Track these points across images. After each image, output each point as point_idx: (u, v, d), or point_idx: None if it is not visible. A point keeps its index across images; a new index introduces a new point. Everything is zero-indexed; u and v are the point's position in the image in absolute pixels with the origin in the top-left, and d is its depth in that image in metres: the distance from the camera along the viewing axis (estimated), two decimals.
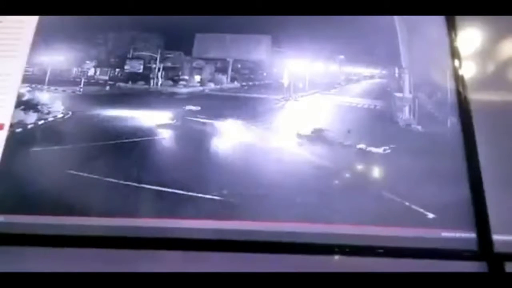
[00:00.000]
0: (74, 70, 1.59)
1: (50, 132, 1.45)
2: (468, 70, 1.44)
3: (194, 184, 1.32)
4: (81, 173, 1.34)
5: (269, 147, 1.40)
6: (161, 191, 1.31)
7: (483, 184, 1.27)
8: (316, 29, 1.54)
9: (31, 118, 1.47)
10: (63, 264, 1.17)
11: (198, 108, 1.50)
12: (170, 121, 1.47)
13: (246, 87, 1.60)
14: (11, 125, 1.42)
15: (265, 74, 1.59)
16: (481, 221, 1.24)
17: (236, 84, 1.61)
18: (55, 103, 1.51)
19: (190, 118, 1.47)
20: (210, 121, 1.46)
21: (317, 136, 1.42)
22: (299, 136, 1.42)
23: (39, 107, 1.50)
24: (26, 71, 1.50)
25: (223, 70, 1.63)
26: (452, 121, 1.38)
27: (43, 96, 1.52)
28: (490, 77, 1.46)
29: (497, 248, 1.21)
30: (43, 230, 1.25)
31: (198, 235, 1.24)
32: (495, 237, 1.22)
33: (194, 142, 1.43)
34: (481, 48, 1.49)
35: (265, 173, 1.34)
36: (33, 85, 1.52)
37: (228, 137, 1.43)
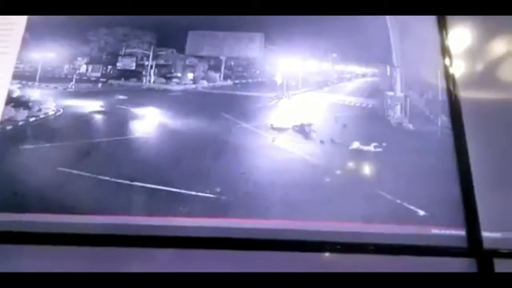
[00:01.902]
0: (66, 67, 1.58)
1: (41, 129, 1.43)
2: (459, 69, 1.46)
3: (188, 182, 1.32)
4: (72, 171, 1.33)
5: (261, 145, 1.41)
6: (154, 189, 1.31)
7: (473, 181, 1.28)
8: (309, 27, 1.54)
9: (21, 115, 1.46)
10: (55, 262, 1.16)
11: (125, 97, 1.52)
12: (101, 108, 1.48)
13: (239, 85, 1.60)
14: (1, 122, 1.40)
15: (258, 72, 1.59)
16: (470, 218, 1.25)
17: (229, 82, 1.61)
18: (46, 100, 1.49)
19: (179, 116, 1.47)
20: (200, 119, 1.45)
21: (308, 133, 1.42)
22: (290, 133, 1.42)
23: (30, 104, 1.48)
24: (16, 67, 1.48)
25: (216, 68, 1.63)
26: (442, 120, 1.40)
27: (34, 93, 1.50)
28: (480, 76, 1.48)
29: (486, 245, 1.23)
30: (33, 228, 1.24)
31: (191, 232, 1.24)
32: (485, 234, 1.24)
33: (188, 140, 1.42)
34: (471, 47, 1.50)
35: (258, 171, 1.34)
36: (24, 82, 1.50)
37: (221, 135, 1.42)
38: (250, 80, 1.59)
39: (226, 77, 1.62)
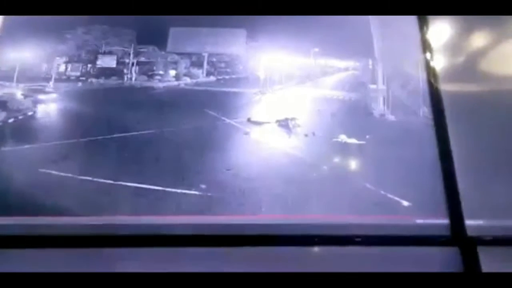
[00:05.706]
0: (44, 66, 1.55)
1: (20, 130, 1.40)
2: (439, 62, 1.48)
3: (172, 179, 1.31)
4: (54, 172, 1.31)
5: (246, 141, 1.40)
6: (139, 187, 1.29)
7: (455, 170, 1.30)
8: (291, 22, 1.54)
9: None
10: (38, 265, 1.13)
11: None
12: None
13: (222, 81, 1.59)
14: None
15: (241, 67, 1.59)
16: (453, 207, 1.27)
17: (212, 78, 1.61)
18: (25, 101, 1.46)
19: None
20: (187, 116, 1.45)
21: (292, 127, 1.43)
22: (275, 128, 1.43)
23: (8, 104, 1.45)
24: None
25: (199, 64, 1.62)
26: (424, 111, 1.41)
27: (12, 94, 1.47)
28: (459, 68, 1.50)
29: (470, 233, 1.25)
30: (17, 231, 1.21)
31: (177, 230, 1.23)
32: (468, 222, 1.26)
33: (171, 138, 1.41)
34: (449, 41, 1.52)
35: (244, 167, 1.34)
36: (1, 82, 1.47)
37: (205, 132, 1.42)
38: (233, 76, 1.59)
39: (209, 74, 1.62)
